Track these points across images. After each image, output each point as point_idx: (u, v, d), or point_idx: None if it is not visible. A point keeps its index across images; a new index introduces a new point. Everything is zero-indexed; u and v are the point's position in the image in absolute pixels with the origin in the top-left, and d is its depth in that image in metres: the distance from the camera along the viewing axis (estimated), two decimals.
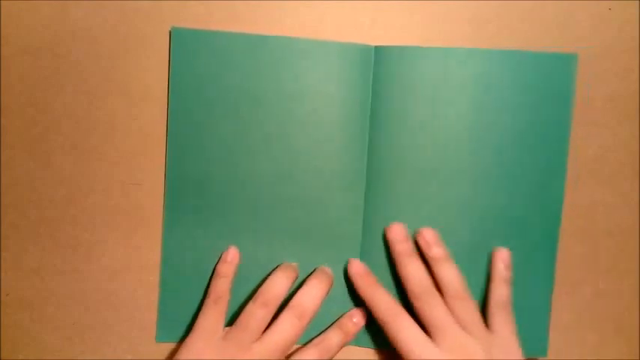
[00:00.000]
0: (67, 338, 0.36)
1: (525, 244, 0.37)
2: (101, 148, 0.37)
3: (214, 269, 0.36)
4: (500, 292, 0.35)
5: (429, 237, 0.36)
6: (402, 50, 0.36)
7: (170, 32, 0.36)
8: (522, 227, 0.37)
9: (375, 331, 0.36)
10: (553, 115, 0.37)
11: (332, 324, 0.36)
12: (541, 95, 0.37)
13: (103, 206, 0.37)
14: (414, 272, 0.35)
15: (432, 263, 0.35)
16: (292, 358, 0.34)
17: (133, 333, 0.37)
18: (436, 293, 0.34)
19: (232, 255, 0.36)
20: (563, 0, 0.38)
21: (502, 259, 0.36)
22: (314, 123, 0.36)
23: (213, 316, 0.34)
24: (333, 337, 0.35)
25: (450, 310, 0.34)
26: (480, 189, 0.37)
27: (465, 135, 0.36)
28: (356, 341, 0.37)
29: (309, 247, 0.36)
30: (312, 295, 0.34)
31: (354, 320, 0.36)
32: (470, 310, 0.34)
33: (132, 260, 0.37)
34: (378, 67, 0.36)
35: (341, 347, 0.35)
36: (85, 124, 0.37)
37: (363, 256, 0.37)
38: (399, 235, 0.36)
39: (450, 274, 0.35)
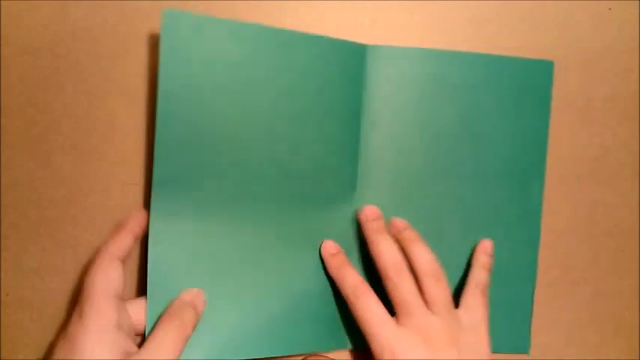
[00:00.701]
0: None
1: (508, 242, 0.38)
2: (101, 148, 0.37)
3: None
4: (479, 275, 0.36)
5: (399, 223, 0.36)
6: (392, 50, 0.37)
7: (162, 15, 0.32)
8: (505, 226, 0.38)
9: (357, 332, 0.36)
10: (532, 118, 0.38)
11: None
12: (521, 99, 0.38)
13: (103, 206, 0.37)
14: (385, 249, 0.34)
15: (405, 244, 0.35)
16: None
17: None
18: (407, 271, 0.34)
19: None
20: (563, 0, 0.38)
21: (484, 247, 0.37)
22: (306, 118, 0.36)
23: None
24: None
25: (421, 290, 0.34)
26: (465, 188, 0.38)
27: (450, 135, 0.37)
28: (337, 344, 0.37)
29: (302, 242, 0.37)
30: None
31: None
32: (441, 290, 0.34)
33: (132, 260, 0.37)
34: (370, 65, 0.36)
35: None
36: (85, 124, 0.37)
37: (358, 250, 0.37)
38: (371, 214, 0.36)
39: (422, 252, 0.35)
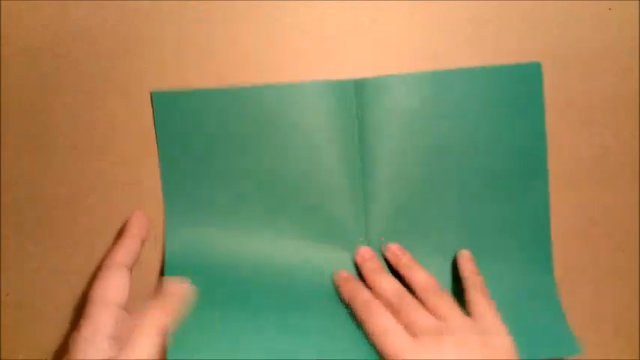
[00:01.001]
0: (67, 338, 0.36)
1: (519, 248, 0.38)
2: (101, 148, 0.37)
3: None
4: (474, 281, 0.36)
5: (395, 249, 0.37)
6: (379, 81, 0.37)
7: (151, 96, 0.36)
8: (513, 233, 0.38)
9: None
10: (528, 122, 0.38)
11: None
12: (514, 105, 0.38)
13: (103, 206, 0.37)
14: (386, 285, 0.35)
15: (404, 271, 0.36)
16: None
17: None
18: (412, 297, 0.35)
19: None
20: (563, 0, 0.38)
21: (465, 256, 0.37)
22: (306, 160, 0.37)
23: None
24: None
25: (429, 309, 0.34)
26: (470, 202, 0.38)
27: (448, 151, 0.37)
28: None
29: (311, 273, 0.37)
30: None
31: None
32: (448, 303, 0.34)
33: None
34: (359, 97, 0.37)
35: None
36: (85, 124, 0.37)
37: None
38: (367, 254, 0.37)
39: (421, 275, 0.36)
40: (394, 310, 0.34)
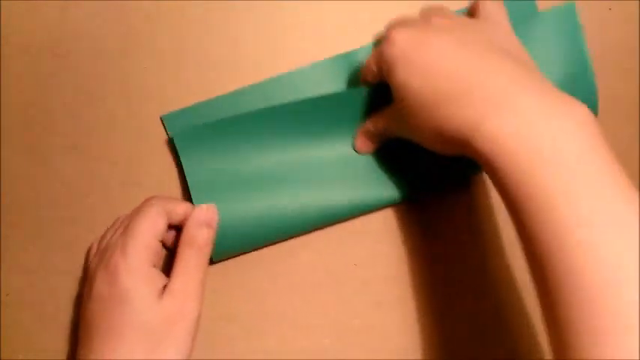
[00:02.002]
0: (67, 338, 0.36)
1: None
2: (101, 148, 0.37)
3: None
4: None
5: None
6: None
7: (161, 120, 0.36)
8: None
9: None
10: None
11: None
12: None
13: (103, 206, 0.37)
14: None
15: None
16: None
17: None
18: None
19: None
20: (563, 0, 0.38)
21: None
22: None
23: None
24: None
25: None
26: None
27: None
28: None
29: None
30: None
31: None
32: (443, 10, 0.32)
33: None
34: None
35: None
36: (85, 124, 0.37)
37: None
38: None
39: None
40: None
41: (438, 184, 0.37)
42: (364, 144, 0.36)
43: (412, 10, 0.37)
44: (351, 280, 0.37)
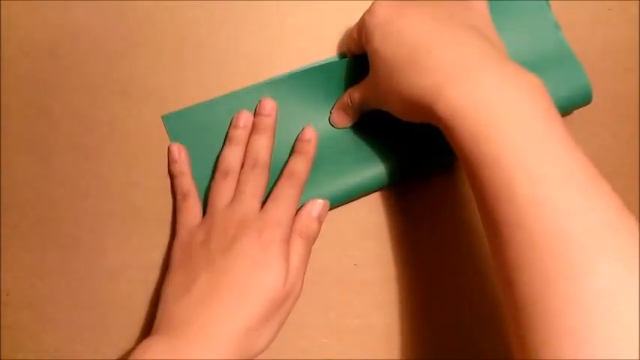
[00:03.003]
0: (67, 338, 0.36)
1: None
2: (101, 148, 0.37)
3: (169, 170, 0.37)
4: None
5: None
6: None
7: (162, 120, 0.37)
8: None
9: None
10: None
11: (290, 153, 0.36)
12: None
13: (102, 206, 0.37)
14: None
15: None
16: (270, 198, 0.34)
17: (133, 333, 0.37)
18: None
19: (178, 152, 0.36)
20: (563, 0, 0.38)
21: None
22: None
23: (187, 210, 0.35)
24: (298, 164, 0.35)
25: None
26: None
27: None
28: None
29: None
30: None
31: (307, 138, 0.36)
32: None
33: (132, 260, 0.37)
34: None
35: (309, 170, 0.35)
36: (85, 124, 0.37)
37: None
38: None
39: None
40: None
41: (423, 164, 0.37)
42: (340, 117, 0.37)
43: None
44: (351, 280, 0.37)
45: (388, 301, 0.36)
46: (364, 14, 0.32)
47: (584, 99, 0.36)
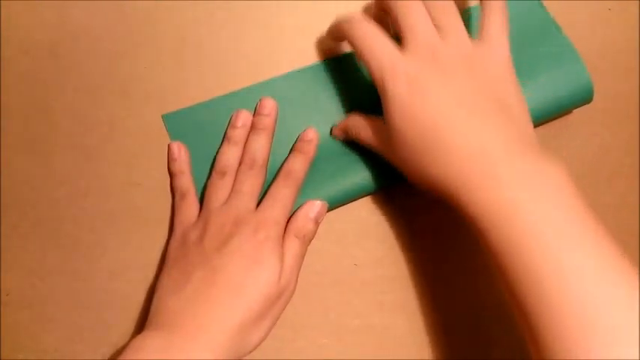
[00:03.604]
0: (67, 338, 0.36)
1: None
2: (101, 148, 0.37)
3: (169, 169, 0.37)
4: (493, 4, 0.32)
5: None
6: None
7: (163, 119, 0.37)
8: None
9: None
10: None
11: (290, 152, 0.36)
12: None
13: (103, 206, 0.37)
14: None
15: None
16: (266, 197, 0.34)
17: (133, 333, 0.37)
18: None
19: (178, 151, 0.36)
20: (563, 0, 0.38)
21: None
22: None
23: (185, 208, 0.35)
24: (296, 163, 0.35)
25: (433, 19, 0.31)
26: None
27: None
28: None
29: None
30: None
31: (309, 138, 0.36)
32: (451, 13, 0.31)
33: (132, 260, 0.37)
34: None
35: (306, 170, 0.35)
36: (85, 124, 0.37)
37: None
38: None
39: None
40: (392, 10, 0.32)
41: None
42: (341, 134, 0.36)
43: None
44: (351, 280, 0.37)
45: (388, 301, 0.36)
46: (385, 69, 0.30)
47: (585, 97, 0.36)
